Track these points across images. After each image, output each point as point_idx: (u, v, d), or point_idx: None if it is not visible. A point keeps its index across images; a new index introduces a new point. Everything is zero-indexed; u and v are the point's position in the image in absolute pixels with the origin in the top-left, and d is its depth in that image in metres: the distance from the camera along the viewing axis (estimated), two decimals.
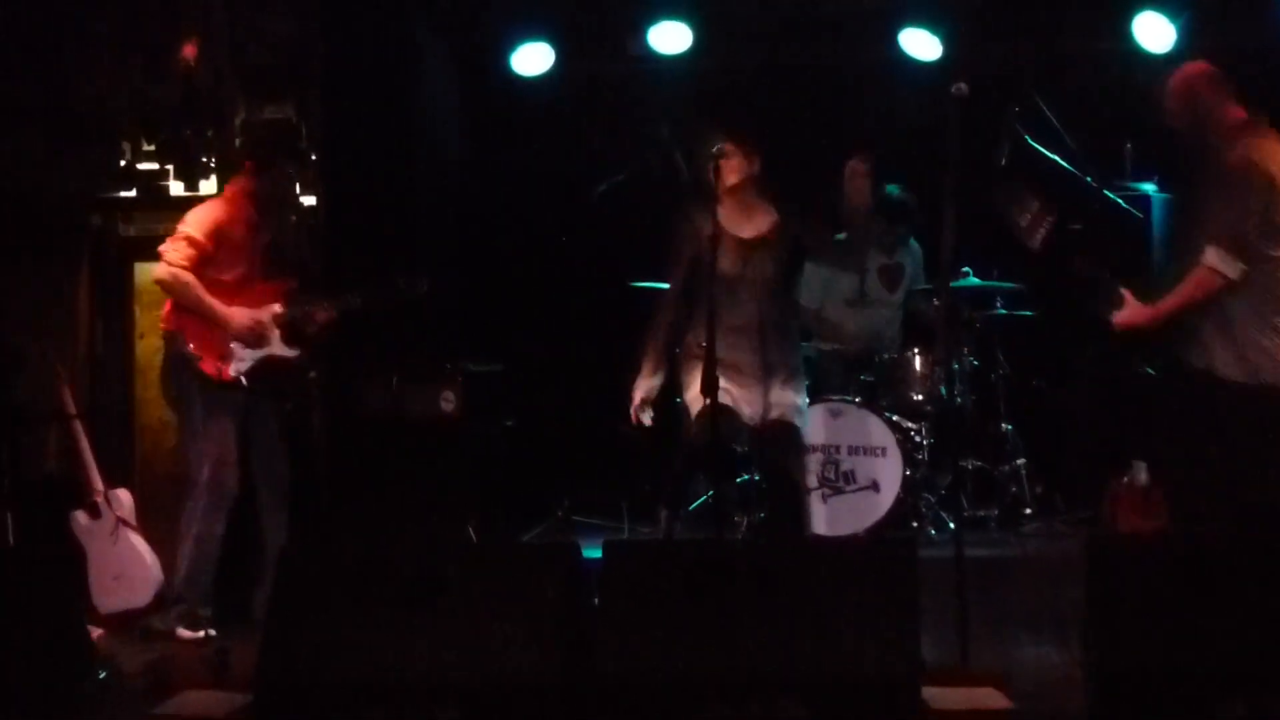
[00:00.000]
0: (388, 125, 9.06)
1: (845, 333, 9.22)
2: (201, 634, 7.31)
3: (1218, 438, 6.49)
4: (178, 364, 7.44)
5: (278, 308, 7.54)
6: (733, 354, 7.01)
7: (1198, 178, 6.68)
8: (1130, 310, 6.65)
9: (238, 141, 8.23)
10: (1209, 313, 6.49)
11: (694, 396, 7.03)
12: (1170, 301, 6.55)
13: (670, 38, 9.55)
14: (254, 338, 7.42)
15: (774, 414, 7.15)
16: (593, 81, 10.20)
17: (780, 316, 7.28)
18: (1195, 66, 6.73)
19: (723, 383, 6.75)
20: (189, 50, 8.52)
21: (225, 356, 7.39)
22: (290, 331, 7.58)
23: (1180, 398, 6.72)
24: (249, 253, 7.51)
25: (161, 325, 7.54)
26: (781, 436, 7.20)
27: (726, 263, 7.02)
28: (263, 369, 7.49)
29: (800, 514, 7.35)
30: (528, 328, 9.66)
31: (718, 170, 6.92)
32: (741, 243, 7.15)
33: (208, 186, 8.44)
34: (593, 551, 5.64)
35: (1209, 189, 6.56)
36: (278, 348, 7.54)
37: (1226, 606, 5.24)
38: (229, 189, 7.71)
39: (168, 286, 7.39)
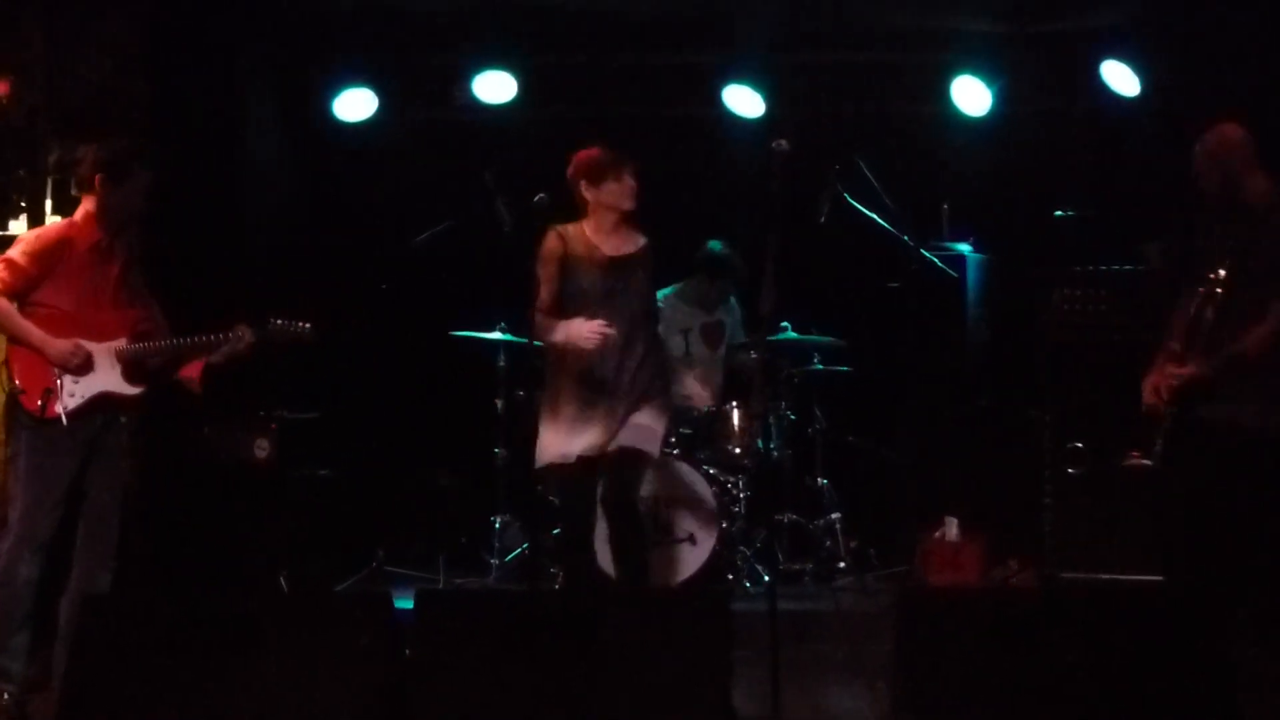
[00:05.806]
0: (210, 167, 8.94)
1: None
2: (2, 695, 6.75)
3: (1231, 488, 6.51)
4: (8, 398, 6.87)
5: (123, 341, 6.92)
6: (600, 369, 7.06)
7: (1213, 238, 6.63)
8: (1194, 366, 6.50)
9: (92, 159, 7.49)
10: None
11: (548, 448, 7.15)
12: (1238, 352, 6.45)
13: (494, 87, 9.58)
14: (78, 368, 6.76)
15: (626, 440, 7.14)
16: (417, 129, 10.18)
17: (650, 336, 7.33)
18: (1231, 130, 6.63)
19: (580, 416, 7.04)
20: (2, 88, 8.33)
21: (52, 391, 6.71)
22: (133, 367, 6.92)
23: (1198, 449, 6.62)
24: (91, 278, 6.91)
25: None
26: (627, 464, 7.22)
27: (598, 279, 7.13)
28: (96, 407, 6.86)
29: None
30: (346, 376, 9.56)
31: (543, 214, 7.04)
32: (613, 260, 7.20)
33: (17, 226, 8.22)
34: (405, 602, 5.60)
35: (1263, 249, 6.50)
36: (114, 384, 6.86)
37: (1034, 661, 5.32)
38: (79, 210, 7.06)
39: None
